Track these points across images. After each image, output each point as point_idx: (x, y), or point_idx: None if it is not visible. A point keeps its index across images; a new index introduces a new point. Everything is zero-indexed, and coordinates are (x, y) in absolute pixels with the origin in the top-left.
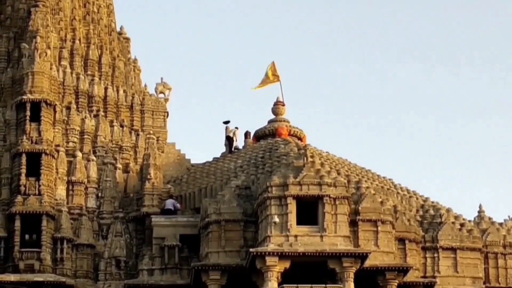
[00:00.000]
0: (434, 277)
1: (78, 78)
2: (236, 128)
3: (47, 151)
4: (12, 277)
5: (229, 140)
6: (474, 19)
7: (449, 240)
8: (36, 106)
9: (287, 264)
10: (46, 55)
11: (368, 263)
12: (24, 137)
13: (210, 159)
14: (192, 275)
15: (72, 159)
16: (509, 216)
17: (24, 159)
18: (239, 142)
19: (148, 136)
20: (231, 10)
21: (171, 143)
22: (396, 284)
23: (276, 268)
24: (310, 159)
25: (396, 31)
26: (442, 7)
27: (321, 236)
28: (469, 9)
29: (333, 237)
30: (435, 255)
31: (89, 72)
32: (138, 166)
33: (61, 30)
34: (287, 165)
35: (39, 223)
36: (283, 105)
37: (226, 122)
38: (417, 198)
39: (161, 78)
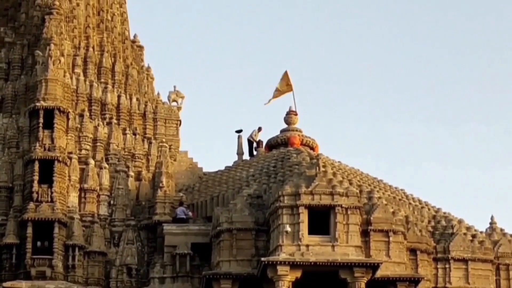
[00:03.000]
0: None
1: (91, 86)
2: (259, 128)
3: (60, 158)
4: (23, 284)
5: (249, 143)
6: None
7: (461, 251)
8: (49, 113)
9: (298, 274)
10: (59, 62)
11: (379, 273)
12: (37, 144)
13: (222, 168)
14: (203, 283)
15: (84, 166)
16: None
17: (36, 166)
18: (263, 140)
19: (160, 144)
20: (245, 19)
21: (184, 152)
22: None
23: (287, 277)
24: (322, 169)
25: (411, 37)
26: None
27: (333, 246)
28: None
29: (344, 247)
30: (447, 266)
31: (102, 80)
32: (150, 174)
33: (75, 37)
34: (299, 175)
35: (51, 230)
36: (296, 114)
37: (239, 131)
38: (429, 209)
39: (174, 87)
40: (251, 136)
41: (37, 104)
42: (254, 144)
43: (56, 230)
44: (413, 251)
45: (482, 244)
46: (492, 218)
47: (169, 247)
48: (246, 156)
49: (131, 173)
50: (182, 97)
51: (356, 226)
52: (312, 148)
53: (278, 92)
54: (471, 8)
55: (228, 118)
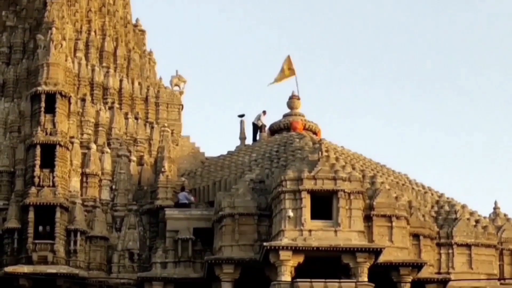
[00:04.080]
0: (448, 273)
1: (93, 70)
2: (264, 112)
3: (62, 143)
4: (25, 269)
5: (254, 127)
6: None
7: (464, 237)
8: (51, 98)
9: (300, 259)
10: (61, 46)
11: (382, 258)
12: (39, 128)
13: (225, 153)
14: (205, 268)
15: (86, 151)
16: None
17: (38, 150)
18: (267, 124)
19: (162, 129)
20: (248, 3)
21: (186, 136)
22: (410, 280)
23: (289, 262)
24: (325, 154)
25: (411, 25)
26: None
27: (335, 231)
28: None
29: (347, 232)
30: (450, 251)
31: (104, 64)
32: (152, 158)
33: (76, 21)
34: (301, 159)
35: (53, 214)
36: (298, 99)
37: (241, 116)
38: (432, 194)
39: (176, 71)
40: (257, 119)
41: (39, 88)
42: (262, 126)
43: (57, 214)
44: (416, 236)
45: (486, 229)
46: (495, 203)
47: (171, 232)
48: (250, 140)
49: (133, 158)
50: (184, 82)
51: (359, 211)
52: (314, 133)
53: (281, 76)
54: None
55: (230, 103)
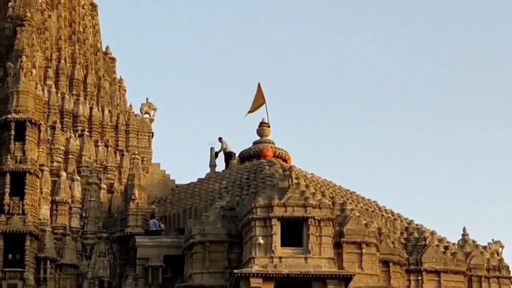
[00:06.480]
0: None
1: (63, 98)
2: (220, 138)
3: (32, 171)
4: None
5: (228, 155)
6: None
7: (433, 263)
8: (20, 126)
9: (271, 286)
10: (31, 74)
11: (352, 285)
12: (9, 156)
13: (195, 180)
14: None
15: (56, 178)
16: (493, 240)
17: (8, 178)
18: (230, 148)
19: (132, 156)
20: (217, 30)
21: (156, 164)
22: None
23: None
24: (295, 181)
25: (381, 55)
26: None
27: (306, 258)
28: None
29: (317, 259)
30: (419, 277)
31: (74, 92)
32: (122, 186)
33: (46, 49)
34: (272, 187)
35: (22, 242)
36: (268, 126)
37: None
38: (401, 221)
39: (147, 99)
40: (223, 148)
41: (9, 116)
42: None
43: (27, 242)
44: (385, 263)
45: (455, 255)
46: (464, 229)
47: (141, 260)
48: (221, 168)
49: (103, 186)
50: (155, 109)
51: (329, 238)
52: (284, 160)
53: (255, 105)
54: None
55: (200, 130)
